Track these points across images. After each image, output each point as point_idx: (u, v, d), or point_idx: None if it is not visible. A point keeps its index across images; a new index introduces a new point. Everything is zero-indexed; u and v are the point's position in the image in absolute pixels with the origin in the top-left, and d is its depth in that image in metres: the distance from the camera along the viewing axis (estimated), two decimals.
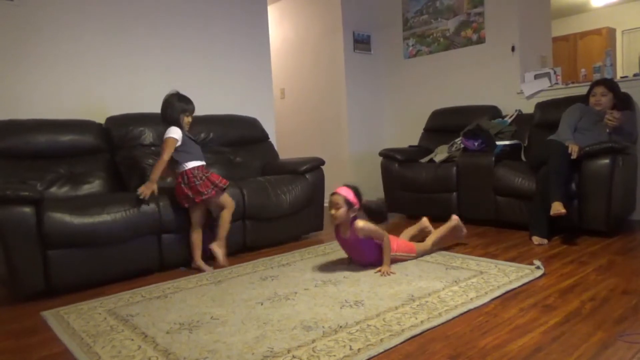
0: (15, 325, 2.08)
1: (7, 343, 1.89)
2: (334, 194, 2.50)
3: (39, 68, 3.21)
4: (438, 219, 3.95)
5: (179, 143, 2.75)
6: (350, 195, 2.47)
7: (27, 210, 2.33)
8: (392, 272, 2.47)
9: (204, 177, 2.79)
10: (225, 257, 2.85)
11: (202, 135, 3.72)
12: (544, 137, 3.42)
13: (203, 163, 2.85)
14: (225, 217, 2.87)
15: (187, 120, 2.86)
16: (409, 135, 4.90)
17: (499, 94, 4.36)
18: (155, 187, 2.71)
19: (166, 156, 2.70)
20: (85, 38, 3.41)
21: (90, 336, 1.87)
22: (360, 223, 2.50)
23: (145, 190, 2.67)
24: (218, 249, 2.83)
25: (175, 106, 2.82)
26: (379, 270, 2.49)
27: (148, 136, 3.36)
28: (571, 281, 2.27)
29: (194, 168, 2.77)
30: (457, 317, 1.89)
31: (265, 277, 2.56)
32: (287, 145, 5.46)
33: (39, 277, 2.39)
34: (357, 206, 2.48)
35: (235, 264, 2.88)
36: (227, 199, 2.90)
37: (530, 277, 2.32)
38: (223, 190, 2.87)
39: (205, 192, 2.75)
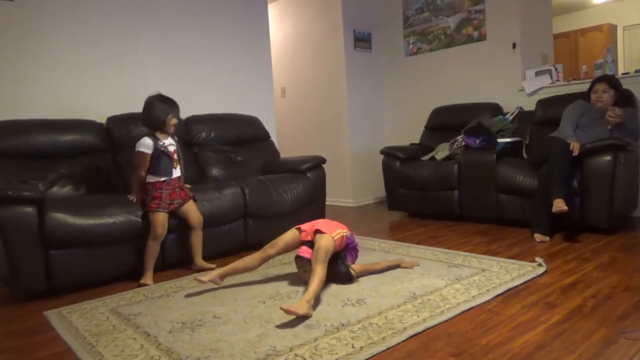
0: (18, 324, 2.09)
1: (9, 342, 1.90)
2: (297, 258, 2.33)
3: (39, 68, 3.21)
4: (439, 217, 3.98)
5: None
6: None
7: (29, 210, 2.33)
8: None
9: (163, 192, 2.64)
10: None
11: (203, 134, 3.72)
12: (546, 134, 3.41)
13: (166, 179, 2.66)
14: (193, 239, 2.77)
15: (172, 122, 2.68)
16: (410, 133, 4.89)
17: (500, 91, 4.35)
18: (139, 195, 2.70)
19: (142, 172, 2.63)
20: (86, 37, 3.41)
21: (92, 335, 1.87)
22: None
23: (133, 197, 2.70)
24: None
25: (159, 107, 2.64)
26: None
27: None
28: (573, 278, 2.27)
29: (155, 182, 2.65)
30: (459, 314, 1.89)
31: (267, 276, 2.56)
32: (288, 143, 5.46)
33: (41, 276, 2.39)
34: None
35: None
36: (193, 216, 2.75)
37: (532, 275, 2.32)
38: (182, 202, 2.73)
39: (153, 206, 2.62)
